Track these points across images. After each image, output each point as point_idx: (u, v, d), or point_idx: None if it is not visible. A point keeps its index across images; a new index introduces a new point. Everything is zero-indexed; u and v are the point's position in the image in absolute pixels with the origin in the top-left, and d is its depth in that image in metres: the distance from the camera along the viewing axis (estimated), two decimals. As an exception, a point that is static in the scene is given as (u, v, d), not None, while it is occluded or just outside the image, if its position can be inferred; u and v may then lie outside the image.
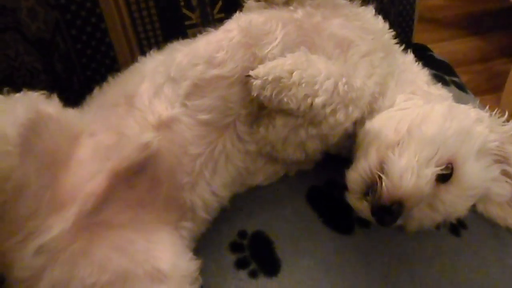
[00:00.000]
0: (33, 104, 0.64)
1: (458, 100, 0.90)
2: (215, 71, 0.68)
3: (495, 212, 0.74)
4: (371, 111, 0.73)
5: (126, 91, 0.72)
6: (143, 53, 0.81)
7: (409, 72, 0.79)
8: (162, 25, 0.86)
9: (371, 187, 0.64)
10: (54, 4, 0.80)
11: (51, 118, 0.65)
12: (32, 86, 0.84)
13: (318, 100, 0.64)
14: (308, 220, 0.74)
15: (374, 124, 0.70)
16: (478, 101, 0.91)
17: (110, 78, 0.78)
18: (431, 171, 0.62)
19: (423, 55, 1.04)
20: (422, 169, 0.62)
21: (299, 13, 0.73)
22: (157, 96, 0.69)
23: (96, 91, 0.77)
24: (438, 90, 0.80)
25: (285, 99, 0.64)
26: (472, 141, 0.67)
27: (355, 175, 0.66)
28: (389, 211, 0.62)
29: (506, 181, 0.71)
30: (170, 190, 0.67)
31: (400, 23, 1.00)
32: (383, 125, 0.69)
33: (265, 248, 0.71)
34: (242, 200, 0.76)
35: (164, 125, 0.67)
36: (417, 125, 0.66)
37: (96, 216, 0.63)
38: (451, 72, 1.00)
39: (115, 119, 0.70)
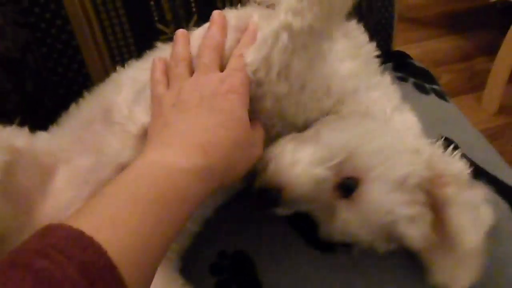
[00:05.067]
0: (7, 144, 0.61)
1: (437, 110, 0.89)
2: None
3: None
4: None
5: (103, 104, 0.69)
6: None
7: (376, 92, 0.74)
8: (136, 40, 0.84)
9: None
10: (23, 23, 0.77)
11: (21, 154, 0.62)
12: (2, 106, 0.81)
13: None
14: (289, 239, 0.73)
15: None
16: (458, 110, 0.90)
17: (85, 93, 0.76)
18: (320, 171, 0.61)
19: (403, 63, 1.04)
20: (312, 166, 0.61)
21: None
22: (137, 102, 0.66)
23: (72, 108, 0.75)
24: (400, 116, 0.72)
25: None
26: (392, 168, 0.62)
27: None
28: (268, 195, 0.62)
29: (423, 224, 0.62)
30: None
31: (379, 31, 0.99)
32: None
33: (246, 270, 0.70)
34: (222, 219, 0.74)
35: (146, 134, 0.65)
36: (332, 130, 0.66)
37: None
38: (431, 80, 0.99)
39: (92, 138, 0.67)
